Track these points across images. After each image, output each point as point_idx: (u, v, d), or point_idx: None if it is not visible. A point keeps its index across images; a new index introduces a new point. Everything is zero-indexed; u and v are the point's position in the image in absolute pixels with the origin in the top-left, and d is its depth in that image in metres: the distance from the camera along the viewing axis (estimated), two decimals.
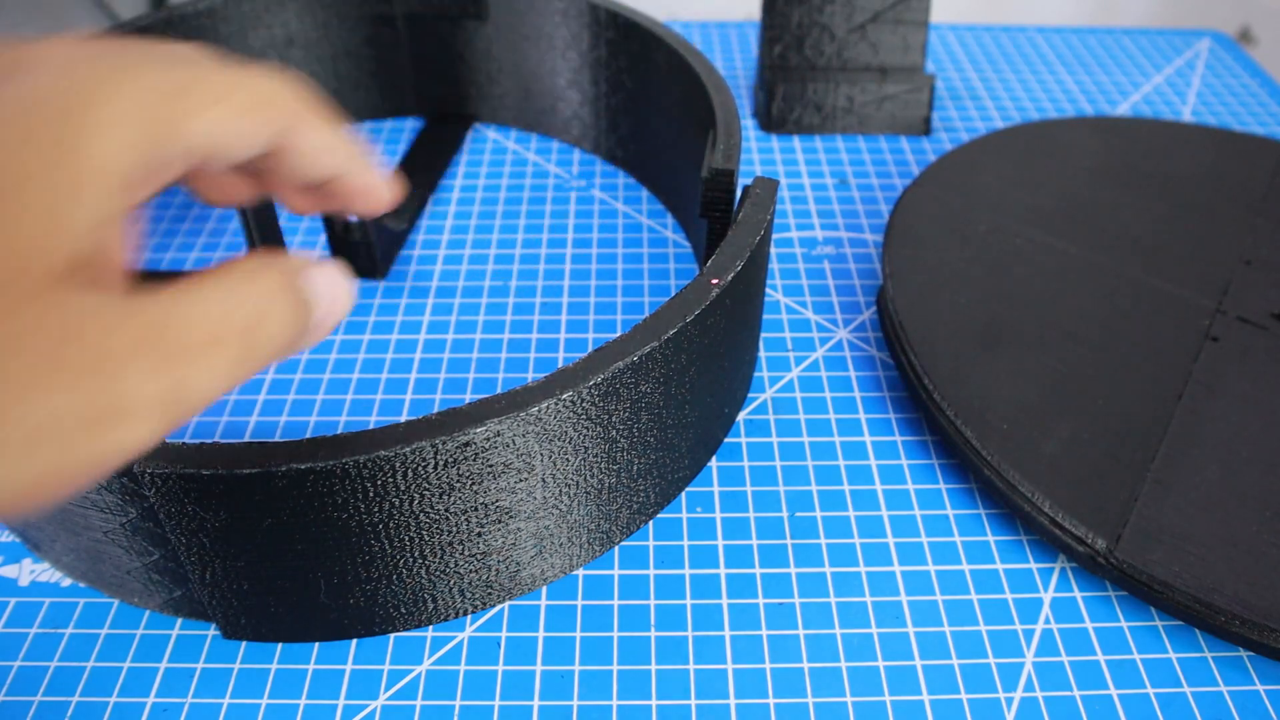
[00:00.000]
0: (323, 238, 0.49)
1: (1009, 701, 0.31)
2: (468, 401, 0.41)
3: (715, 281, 0.32)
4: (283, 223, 0.51)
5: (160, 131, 0.18)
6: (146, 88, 0.18)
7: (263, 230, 0.42)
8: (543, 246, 0.50)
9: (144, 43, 0.20)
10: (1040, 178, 0.49)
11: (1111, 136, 0.53)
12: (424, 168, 0.54)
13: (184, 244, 0.50)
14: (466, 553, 0.31)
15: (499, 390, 0.42)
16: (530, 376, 0.42)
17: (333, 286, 0.22)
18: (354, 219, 0.45)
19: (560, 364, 0.43)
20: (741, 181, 0.54)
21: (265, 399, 0.41)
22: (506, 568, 0.33)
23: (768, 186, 0.36)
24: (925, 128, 0.58)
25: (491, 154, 0.56)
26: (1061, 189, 0.49)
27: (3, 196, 0.16)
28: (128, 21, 0.49)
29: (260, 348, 0.19)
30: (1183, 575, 0.32)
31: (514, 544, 0.32)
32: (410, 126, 0.58)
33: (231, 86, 0.20)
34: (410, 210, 0.51)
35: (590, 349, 0.44)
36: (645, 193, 0.53)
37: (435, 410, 0.41)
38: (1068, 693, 0.31)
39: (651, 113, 0.50)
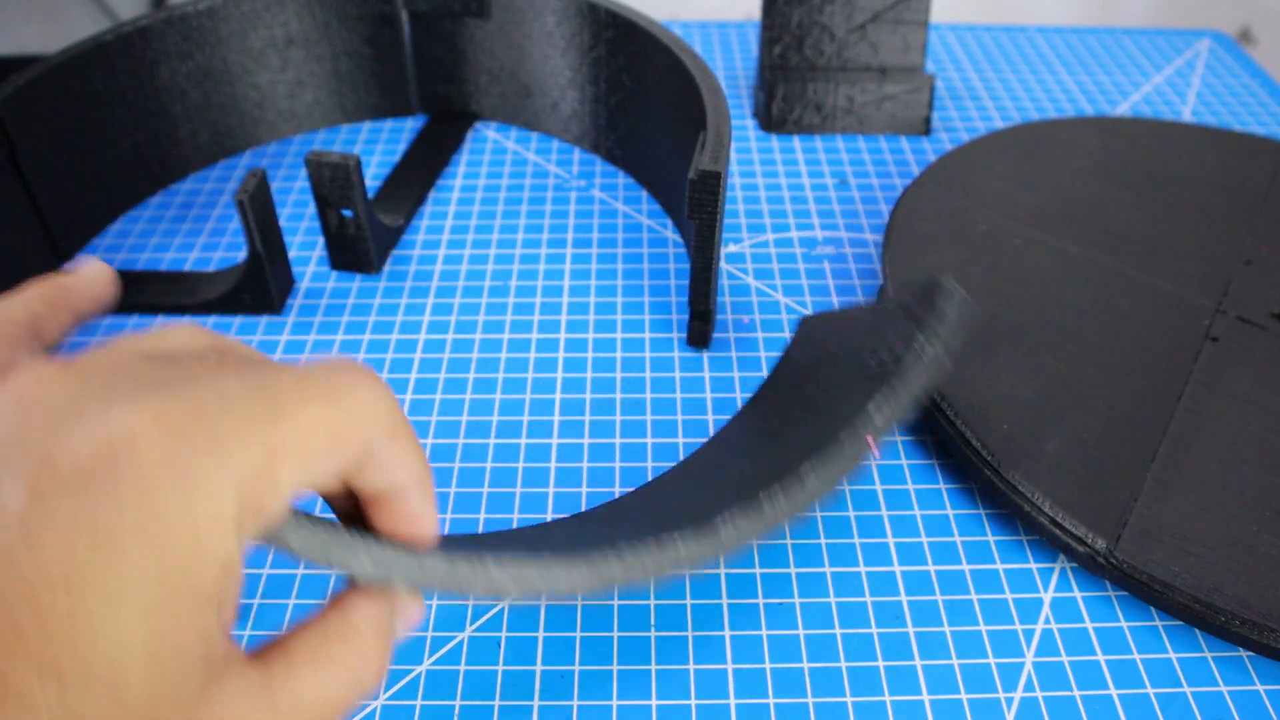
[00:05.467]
0: (323, 240, 0.49)
1: (1009, 701, 0.31)
2: (466, 402, 0.41)
3: (873, 448, 0.32)
4: (282, 223, 0.51)
5: (257, 504, 0.18)
6: (238, 468, 0.17)
7: (263, 230, 0.42)
8: (543, 246, 0.49)
9: (207, 375, 0.19)
10: (1040, 178, 0.49)
11: (1111, 136, 0.53)
12: (423, 165, 0.54)
13: (184, 244, 0.50)
14: None
15: (499, 390, 0.42)
16: (530, 376, 0.42)
17: (409, 621, 0.23)
18: (348, 213, 0.45)
19: (560, 364, 0.43)
20: (741, 182, 0.54)
21: None
22: None
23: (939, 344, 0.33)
24: (925, 128, 0.58)
25: (492, 153, 0.56)
26: (1062, 189, 0.49)
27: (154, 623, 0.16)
28: (127, 21, 0.49)
29: (358, 702, 0.21)
30: (1183, 575, 0.32)
31: None
32: (410, 126, 0.58)
33: (316, 425, 0.19)
34: (407, 207, 0.51)
35: (590, 349, 0.44)
36: (645, 193, 0.53)
37: (433, 411, 0.41)
38: (1068, 693, 0.31)
39: (649, 113, 0.50)
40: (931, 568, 0.35)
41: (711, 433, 0.40)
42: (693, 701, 0.31)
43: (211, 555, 0.17)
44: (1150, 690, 0.32)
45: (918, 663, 0.32)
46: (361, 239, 0.46)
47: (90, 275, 0.25)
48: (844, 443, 0.31)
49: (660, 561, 0.27)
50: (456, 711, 0.31)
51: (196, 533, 0.17)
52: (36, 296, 0.23)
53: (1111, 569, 0.33)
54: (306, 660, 0.20)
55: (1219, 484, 0.35)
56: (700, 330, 0.43)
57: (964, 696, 0.31)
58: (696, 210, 0.39)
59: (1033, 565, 0.35)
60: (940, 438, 0.39)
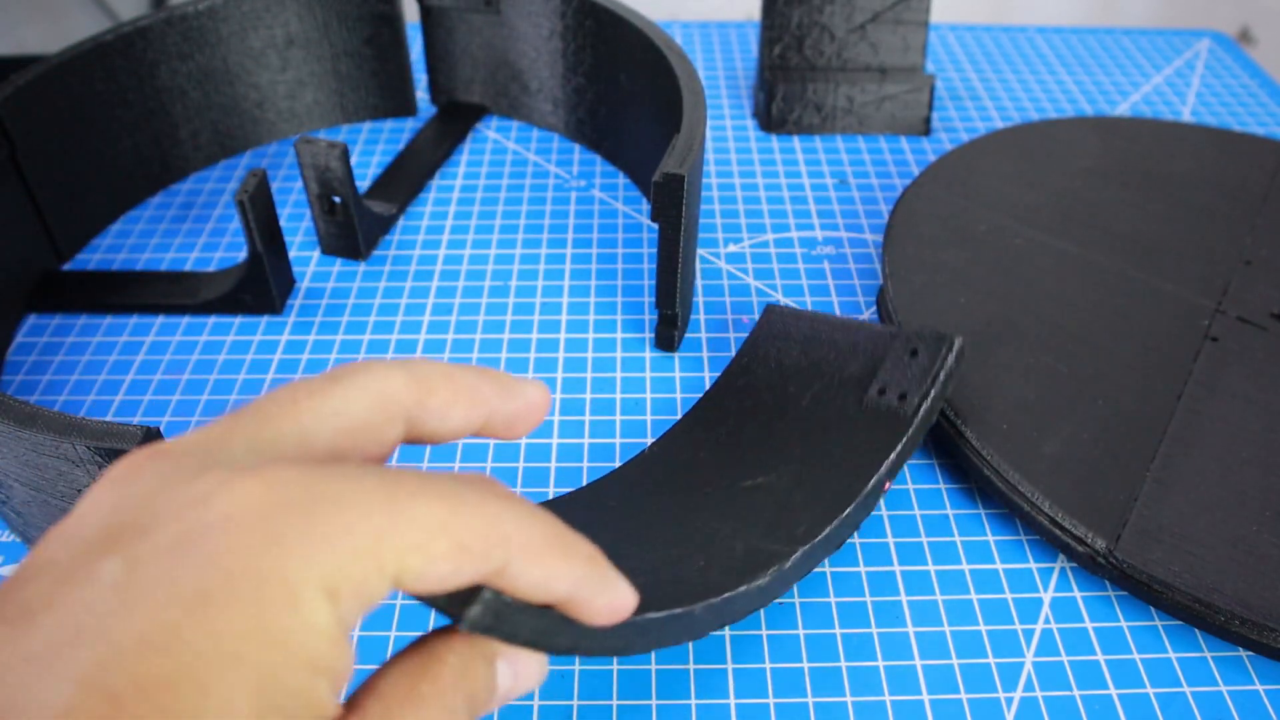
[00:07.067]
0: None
1: (1009, 701, 0.31)
2: None
3: (888, 486, 0.34)
4: (283, 223, 0.51)
5: (359, 582, 0.17)
6: (338, 539, 0.17)
7: (263, 230, 0.42)
8: (543, 246, 0.50)
9: (341, 478, 0.18)
10: (1040, 177, 0.49)
11: (1111, 136, 0.53)
12: (422, 157, 0.54)
13: (184, 244, 0.50)
14: None
15: None
16: (530, 376, 0.42)
17: (517, 674, 0.22)
18: (337, 199, 0.46)
19: (560, 364, 0.43)
20: (741, 182, 0.54)
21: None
22: None
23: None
24: (925, 128, 0.58)
25: (492, 153, 0.56)
26: (1061, 189, 0.49)
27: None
28: (128, 21, 0.49)
29: None
30: (1182, 575, 0.32)
31: None
32: (411, 127, 0.58)
33: (432, 524, 0.18)
34: (401, 197, 0.51)
35: (590, 350, 0.44)
36: (643, 193, 0.53)
37: None
38: (1067, 692, 0.31)
39: (643, 114, 0.50)
40: (931, 567, 0.35)
41: None
42: (693, 701, 0.31)
43: (312, 620, 0.17)
44: (1150, 690, 0.32)
45: (917, 662, 0.32)
46: (349, 225, 0.46)
47: (530, 393, 0.23)
48: (870, 495, 0.33)
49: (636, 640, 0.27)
50: None
51: (293, 594, 0.16)
52: (451, 375, 0.22)
53: (1111, 569, 0.33)
54: (399, 703, 0.19)
55: (1218, 484, 0.35)
56: (667, 335, 0.43)
57: (964, 696, 0.31)
58: (660, 213, 0.38)
59: (1032, 565, 0.35)
60: (940, 437, 0.39)
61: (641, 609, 0.27)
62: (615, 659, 0.32)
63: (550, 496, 0.37)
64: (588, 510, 0.34)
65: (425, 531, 0.18)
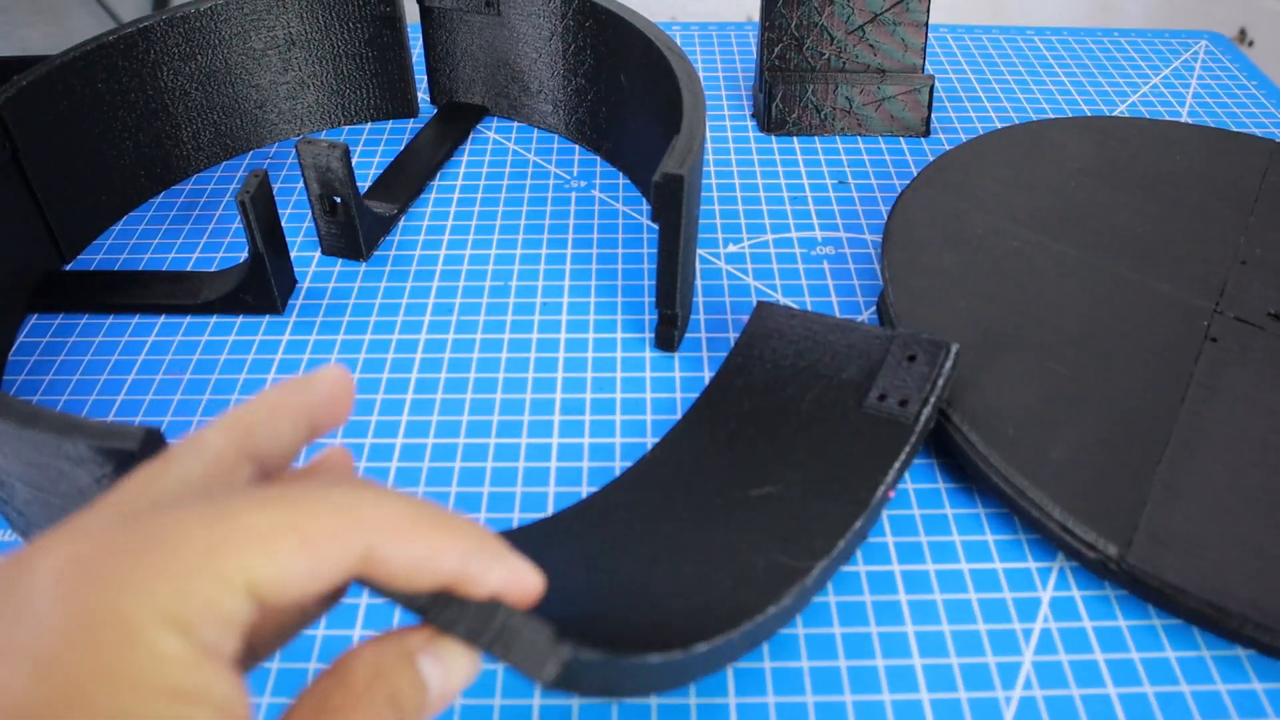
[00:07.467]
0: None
1: (1008, 700, 0.31)
2: (467, 402, 0.41)
3: (891, 494, 0.35)
4: (284, 223, 0.51)
5: (205, 600, 0.17)
6: (168, 564, 0.17)
7: (265, 231, 0.42)
8: (543, 247, 0.50)
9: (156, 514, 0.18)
10: (1033, 179, 0.50)
11: (1101, 136, 0.53)
12: (423, 158, 0.54)
13: (186, 244, 0.50)
14: None
15: (499, 390, 0.42)
16: (530, 376, 0.42)
17: (447, 670, 0.21)
18: (338, 199, 0.46)
19: (560, 364, 0.43)
20: (741, 183, 0.54)
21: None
22: None
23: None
24: (925, 128, 0.58)
25: (493, 153, 0.56)
26: (1054, 190, 0.49)
27: None
28: (130, 22, 0.49)
29: None
30: (1195, 580, 0.32)
31: None
32: (411, 128, 0.58)
33: (272, 526, 0.18)
34: (403, 197, 0.51)
35: (590, 350, 0.44)
36: (643, 193, 0.53)
37: (434, 411, 0.41)
38: (1066, 691, 0.32)
39: (643, 115, 0.50)
40: (930, 566, 0.35)
41: None
42: (693, 700, 0.31)
43: (161, 650, 0.16)
44: (1149, 689, 0.32)
45: (917, 661, 0.32)
46: (350, 225, 0.47)
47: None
48: (877, 505, 0.34)
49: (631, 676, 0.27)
50: (458, 712, 0.31)
51: (131, 630, 0.16)
52: (260, 405, 0.22)
53: (1124, 574, 0.33)
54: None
55: (1225, 486, 0.35)
56: (667, 335, 0.43)
57: (963, 695, 0.31)
58: (660, 214, 0.38)
59: (1031, 564, 0.35)
60: (946, 443, 0.39)
61: (688, 640, 0.28)
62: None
63: (550, 497, 0.37)
64: (601, 522, 0.35)
65: (263, 535, 0.18)
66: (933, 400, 0.35)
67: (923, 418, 0.35)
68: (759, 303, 0.41)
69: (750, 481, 0.35)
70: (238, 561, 0.17)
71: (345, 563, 0.19)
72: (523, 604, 0.21)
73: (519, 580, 0.21)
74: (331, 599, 0.23)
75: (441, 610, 0.20)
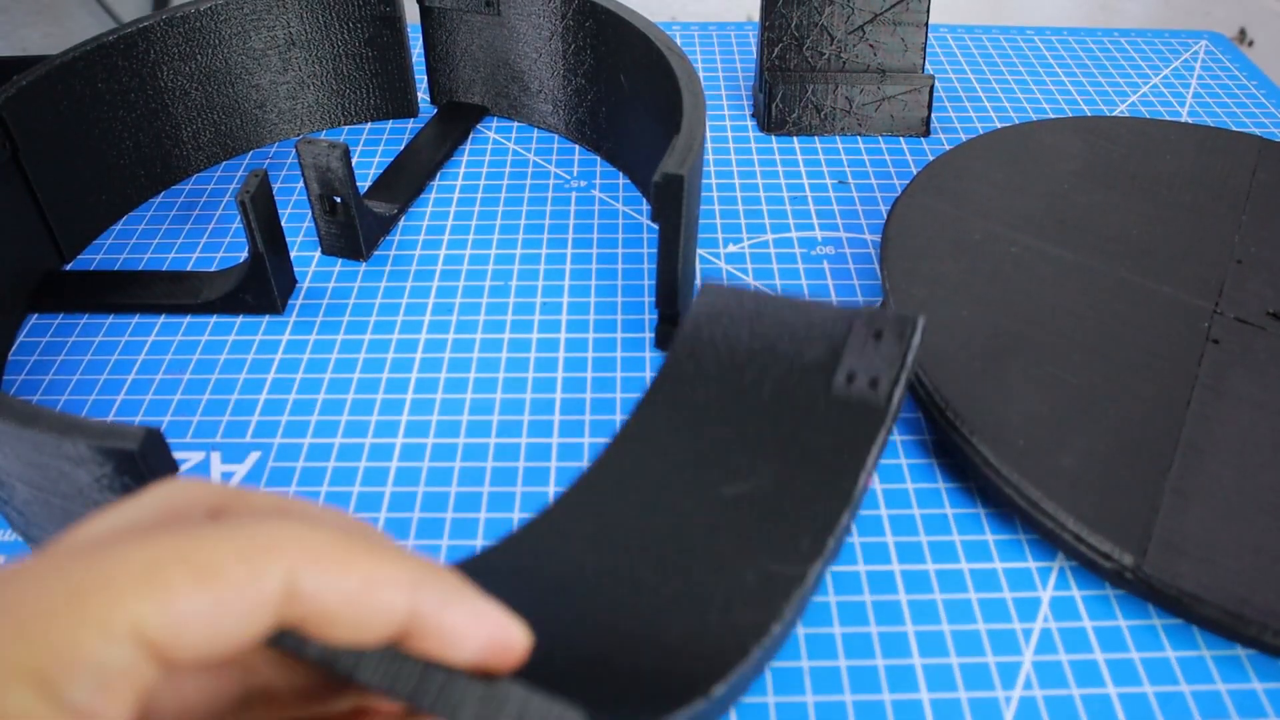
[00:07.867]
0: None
1: (1008, 700, 0.31)
2: (467, 402, 0.41)
3: (869, 482, 0.33)
4: (284, 223, 0.51)
5: (70, 652, 0.15)
6: (25, 618, 0.15)
7: (265, 230, 0.42)
8: (543, 247, 0.50)
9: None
10: (1027, 181, 0.49)
11: (1094, 137, 0.53)
12: (423, 158, 0.54)
13: (186, 244, 0.50)
14: None
15: (499, 390, 0.42)
16: (530, 376, 0.42)
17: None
18: (338, 199, 0.46)
19: (560, 364, 0.43)
20: (741, 183, 0.54)
21: (267, 399, 0.41)
22: None
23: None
24: (925, 128, 0.58)
25: (493, 153, 0.57)
26: (1048, 192, 0.49)
27: None
28: (129, 22, 0.49)
29: None
30: (1211, 588, 0.32)
31: None
32: (411, 128, 0.58)
33: (161, 565, 0.15)
34: (403, 197, 0.51)
35: (590, 350, 0.44)
36: (643, 193, 0.53)
37: (434, 411, 0.41)
38: (1066, 691, 0.32)
39: (643, 115, 0.50)
40: (930, 566, 0.35)
41: None
42: None
43: (16, 710, 0.15)
44: (1148, 689, 0.32)
45: (916, 661, 0.32)
46: (350, 225, 0.47)
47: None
48: (859, 495, 0.32)
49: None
50: None
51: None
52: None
53: (1140, 583, 0.33)
54: None
55: (1236, 491, 0.35)
56: (667, 334, 0.43)
57: (963, 695, 0.31)
58: (660, 214, 0.38)
59: (1031, 564, 0.35)
60: (956, 455, 0.39)
61: (708, 683, 0.27)
62: None
63: (550, 497, 0.37)
64: (564, 541, 0.32)
65: (143, 571, 0.15)
66: (903, 378, 0.33)
67: (895, 397, 0.33)
68: (704, 283, 0.37)
69: (720, 479, 0.33)
70: (112, 604, 0.15)
71: (261, 599, 0.16)
72: (508, 667, 0.18)
73: (503, 636, 0.18)
74: (300, 664, 0.19)
75: (418, 685, 0.17)
